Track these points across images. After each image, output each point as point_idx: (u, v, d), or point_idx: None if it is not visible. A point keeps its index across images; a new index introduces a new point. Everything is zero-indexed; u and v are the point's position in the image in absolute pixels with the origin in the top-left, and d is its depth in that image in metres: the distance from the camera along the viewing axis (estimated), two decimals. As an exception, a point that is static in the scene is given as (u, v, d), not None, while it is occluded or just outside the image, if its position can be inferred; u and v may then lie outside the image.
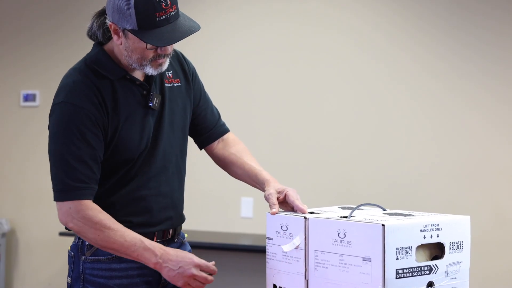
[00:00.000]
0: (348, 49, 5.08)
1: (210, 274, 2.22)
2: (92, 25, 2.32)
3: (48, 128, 2.28)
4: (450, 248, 1.92)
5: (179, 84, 2.42)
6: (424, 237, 1.85)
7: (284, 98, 5.21)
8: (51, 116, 2.26)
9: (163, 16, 2.11)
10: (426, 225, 1.86)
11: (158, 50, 2.18)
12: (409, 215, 1.99)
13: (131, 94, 2.27)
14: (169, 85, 2.38)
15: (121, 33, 2.18)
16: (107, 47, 2.30)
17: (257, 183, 2.38)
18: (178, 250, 2.26)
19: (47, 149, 2.27)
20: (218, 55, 5.29)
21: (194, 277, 2.19)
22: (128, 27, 2.13)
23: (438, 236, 1.88)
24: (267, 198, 2.19)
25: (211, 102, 2.60)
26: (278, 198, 2.18)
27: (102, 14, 2.31)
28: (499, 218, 4.79)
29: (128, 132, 2.25)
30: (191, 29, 2.18)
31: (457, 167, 4.85)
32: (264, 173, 2.39)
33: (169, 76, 2.39)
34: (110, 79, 2.25)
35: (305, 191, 5.02)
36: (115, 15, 2.15)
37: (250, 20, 5.31)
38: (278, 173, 5.01)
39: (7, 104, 6.06)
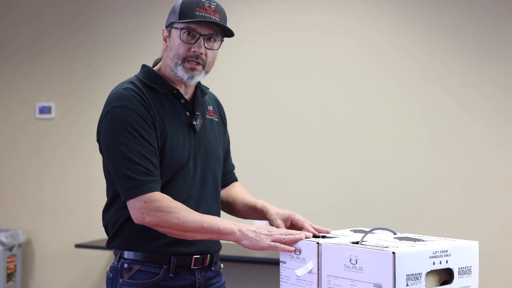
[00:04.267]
0: (362, 59, 5.14)
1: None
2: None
3: (100, 138, 2.34)
4: (458, 273, 1.97)
5: (217, 120, 2.56)
6: (434, 263, 1.90)
7: (297, 108, 5.26)
8: (102, 124, 2.32)
9: (202, 13, 2.28)
10: (436, 252, 1.91)
11: (192, 48, 2.31)
12: (419, 240, 2.04)
13: (176, 110, 2.38)
14: (210, 117, 2.52)
15: (167, 34, 2.37)
16: (155, 68, 2.45)
17: (257, 211, 2.47)
18: None
19: (101, 160, 2.36)
20: (232, 63, 5.38)
21: (272, 230, 2.18)
22: (172, 20, 2.33)
23: (447, 262, 1.93)
24: (275, 226, 2.29)
25: (230, 153, 2.71)
26: (285, 226, 2.27)
27: None
28: (507, 231, 4.82)
29: (173, 144, 2.33)
30: (227, 28, 2.34)
31: (466, 178, 4.89)
32: (261, 201, 2.49)
33: (210, 109, 2.53)
34: (158, 93, 2.36)
35: (317, 202, 5.10)
36: (168, 18, 2.39)
37: (264, 29, 5.38)
38: (291, 183, 5.10)
39: (23, 116, 6.13)
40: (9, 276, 5.77)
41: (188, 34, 2.31)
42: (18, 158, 6.15)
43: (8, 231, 5.85)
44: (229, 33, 2.37)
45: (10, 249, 5.78)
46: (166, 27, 2.39)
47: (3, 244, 5.69)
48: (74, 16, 6.02)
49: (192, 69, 2.33)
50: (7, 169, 6.17)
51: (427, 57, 4.99)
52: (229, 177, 2.69)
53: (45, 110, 6.08)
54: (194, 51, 2.31)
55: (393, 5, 5.07)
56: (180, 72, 2.34)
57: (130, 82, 2.37)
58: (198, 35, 2.31)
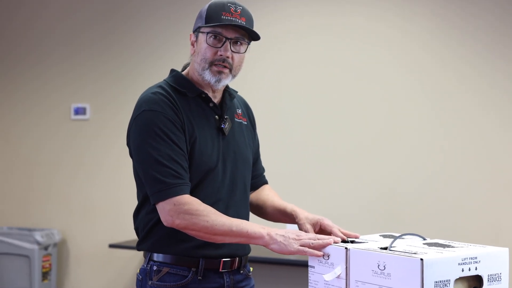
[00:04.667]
0: (389, 62, 5.11)
1: None
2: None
3: (130, 142, 2.37)
4: (488, 280, 1.96)
5: (246, 123, 2.58)
6: (463, 270, 1.89)
7: (326, 109, 5.25)
8: (132, 128, 2.35)
9: (228, 17, 2.31)
10: (465, 258, 1.90)
11: (218, 52, 2.33)
12: (448, 246, 2.03)
13: (205, 114, 2.41)
14: (239, 120, 2.54)
15: (194, 39, 2.39)
16: (184, 72, 2.48)
17: (286, 215, 2.48)
18: None
19: (132, 164, 2.38)
20: (263, 65, 5.38)
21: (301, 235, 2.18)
22: (199, 24, 2.36)
23: (476, 269, 1.92)
24: (304, 231, 2.30)
25: (260, 156, 2.72)
26: (314, 230, 2.28)
27: None
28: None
29: (202, 147, 2.35)
30: (253, 31, 2.35)
31: (500, 182, 4.84)
32: (291, 205, 2.49)
33: (239, 113, 2.55)
34: (186, 96, 2.39)
35: (347, 204, 5.09)
36: (195, 23, 2.42)
37: (296, 33, 5.37)
38: (321, 185, 5.09)
39: (57, 117, 6.20)
40: (44, 275, 5.85)
41: (215, 38, 2.33)
42: (54, 158, 6.22)
43: (43, 230, 5.93)
44: (255, 37, 2.38)
45: (46, 248, 5.85)
46: (193, 31, 2.41)
47: (38, 243, 5.76)
48: (108, 17, 6.07)
49: (219, 72, 2.35)
50: (43, 169, 6.25)
51: (456, 60, 4.94)
52: (259, 180, 2.69)
53: (80, 111, 6.13)
54: (221, 55, 2.33)
55: (418, 5, 5.04)
56: (208, 75, 2.36)
57: (159, 86, 2.40)
58: (224, 39, 2.33)
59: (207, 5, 2.36)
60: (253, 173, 2.63)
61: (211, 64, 2.34)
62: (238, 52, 2.36)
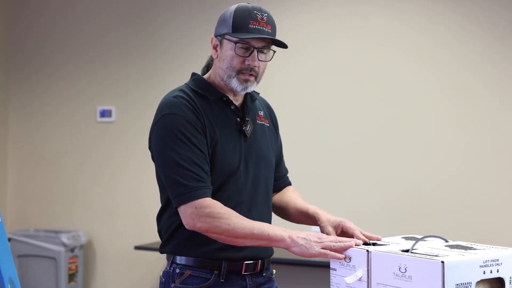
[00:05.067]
0: (414, 64, 5.11)
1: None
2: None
3: (151, 145, 2.40)
4: (510, 282, 1.95)
5: (268, 125, 2.59)
6: (484, 273, 1.89)
7: (349, 110, 5.26)
8: (153, 132, 2.37)
9: (255, 26, 2.31)
10: (486, 261, 1.90)
11: (246, 61, 2.34)
12: (470, 248, 2.03)
13: (226, 117, 2.42)
14: (261, 122, 2.54)
15: (217, 43, 2.39)
16: (205, 76, 2.49)
17: (309, 217, 2.49)
18: None
19: (154, 169, 2.40)
20: (288, 65, 5.39)
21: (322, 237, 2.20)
22: (225, 31, 2.35)
23: (498, 271, 1.92)
24: (325, 233, 2.32)
25: (283, 157, 2.72)
26: (336, 233, 2.29)
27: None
28: None
29: (223, 149, 2.37)
30: (279, 40, 2.35)
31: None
32: (313, 207, 2.50)
33: (261, 115, 2.56)
34: (208, 99, 2.40)
35: (370, 205, 5.09)
36: (217, 27, 2.41)
37: (321, 34, 5.39)
38: (344, 186, 5.09)
39: (83, 119, 6.25)
40: (71, 277, 5.90)
41: (242, 47, 2.33)
42: (79, 161, 6.27)
43: (70, 232, 5.98)
44: (282, 46, 2.38)
45: (72, 250, 5.91)
46: (216, 35, 2.41)
47: (65, 245, 5.81)
48: (133, 19, 6.11)
49: (246, 81, 2.36)
50: (69, 172, 6.30)
51: (477, 58, 4.92)
52: (282, 182, 2.70)
53: (106, 113, 6.18)
54: (248, 64, 2.34)
55: (439, 5, 5.03)
56: (234, 83, 2.37)
57: (180, 90, 2.41)
58: (252, 48, 2.34)
59: (232, 10, 2.35)
60: (276, 175, 2.63)
61: (239, 72, 2.35)
62: (265, 61, 2.38)
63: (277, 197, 2.66)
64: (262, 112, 2.58)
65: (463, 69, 4.97)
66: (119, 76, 6.15)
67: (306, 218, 2.52)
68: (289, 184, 2.74)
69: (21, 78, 6.54)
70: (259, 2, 2.52)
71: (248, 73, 2.35)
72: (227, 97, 2.43)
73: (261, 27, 2.32)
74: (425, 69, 5.07)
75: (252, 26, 2.31)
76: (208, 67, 2.55)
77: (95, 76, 6.24)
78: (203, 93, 2.40)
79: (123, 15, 6.16)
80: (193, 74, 2.51)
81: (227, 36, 2.35)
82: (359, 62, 5.26)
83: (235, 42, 2.33)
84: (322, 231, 2.36)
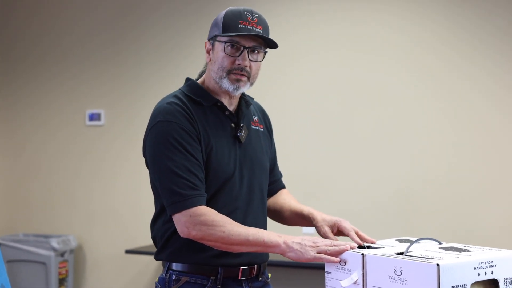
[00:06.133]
0: (405, 67, 5.13)
1: None
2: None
3: (145, 152, 2.39)
4: (504, 283, 1.97)
5: (263, 130, 2.59)
6: (479, 275, 1.91)
7: (341, 111, 5.27)
8: (147, 139, 2.37)
9: (245, 25, 2.31)
10: (480, 263, 1.91)
11: (236, 61, 2.34)
12: (464, 250, 2.04)
13: (221, 123, 2.42)
14: (255, 127, 2.54)
15: (210, 47, 2.40)
16: (199, 80, 2.49)
17: (304, 218, 2.49)
18: None
19: (148, 175, 2.39)
20: (275, 70, 5.39)
21: (317, 242, 2.20)
22: (216, 33, 2.36)
23: (492, 273, 1.94)
24: (322, 235, 2.31)
25: (277, 161, 2.73)
26: (332, 232, 2.30)
27: None
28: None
29: (218, 156, 2.36)
30: (271, 39, 2.36)
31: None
32: (308, 207, 2.51)
33: (255, 120, 2.56)
34: (202, 105, 2.40)
35: (364, 206, 5.11)
36: (210, 31, 2.42)
37: (313, 39, 5.41)
38: (336, 187, 5.11)
39: (72, 123, 6.23)
40: (61, 282, 5.88)
41: (232, 47, 2.33)
42: (69, 164, 6.25)
43: (60, 237, 5.96)
44: (273, 45, 2.39)
45: (62, 254, 5.89)
46: (209, 39, 2.42)
47: (55, 249, 5.79)
48: (122, 22, 6.10)
49: (238, 80, 2.36)
50: (58, 176, 6.28)
51: (466, 60, 4.95)
52: (276, 185, 2.70)
53: (95, 117, 6.17)
54: (239, 64, 2.34)
55: (421, 6, 5.06)
56: (226, 84, 2.36)
57: (174, 96, 2.41)
58: (242, 48, 2.34)
59: (223, 13, 2.37)
60: (271, 179, 2.64)
61: (229, 72, 2.35)
62: (256, 61, 2.38)
63: (272, 201, 2.67)
64: (256, 117, 2.58)
65: (450, 71, 5.00)
66: (109, 80, 6.14)
67: (301, 220, 2.53)
68: (283, 187, 2.74)
69: (9, 80, 6.52)
70: (255, 7, 2.52)
71: (239, 73, 2.35)
72: (222, 103, 2.42)
73: (251, 27, 2.32)
74: (414, 71, 5.09)
75: (242, 26, 2.31)
76: (203, 73, 2.55)
77: (84, 79, 6.22)
78: (197, 99, 2.40)
79: (112, 18, 6.14)
80: (187, 80, 2.50)
81: (218, 38, 2.36)
82: (350, 64, 5.27)
83: (225, 42, 2.33)
84: (318, 231, 2.37)
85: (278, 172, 2.73)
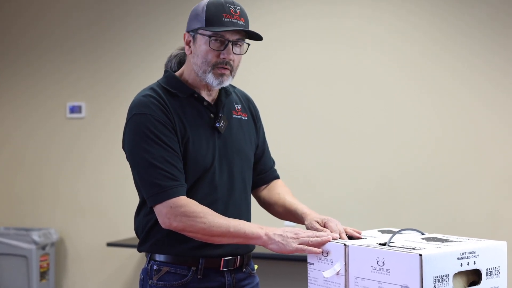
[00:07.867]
0: (392, 63, 5.13)
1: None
2: (171, 55, 2.55)
3: (124, 146, 2.38)
4: (487, 274, 1.97)
5: (246, 118, 2.56)
6: (461, 265, 1.90)
7: (325, 106, 5.27)
8: (125, 132, 2.36)
9: (229, 19, 2.29)
10: (463, 253, 1.91)
11: (221, 55, 2.32)
12: (447, 240, 2.04)
13: (198, 113, 2.39)
14: (237, 116, 2.52)
15: (190, 39, 2.36)
16: (177, 73, 2.47)
17: (296, 217, 2.46)
18: None
19: (129, 166, 2.37)
20: (262, 63, 5.39)
21: (299, 233, 2.19)
22: (198, 25, 2.32)
23: (474, 263, 1.93)
24: (310, 228, 2.28)
25: (268, 148, 2.69)
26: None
27: (182, 49, 2.52)
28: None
29: (196, 147, 2.34)
30: (254, 32, 2.33)
31: (497, 177, 4.86)
32: (302, 206, 2.47)
33: (237, 108, 2.53)
34: (179, 97, 2.38)
35: (347, 199, 5.11)
36: (190, 22, 2.38)
37: (302, 32, 5.39)
38: (320, 180, 5.11)
39: (53, 115, 6.20)
40: (42, 275, 5.85)
41: (216, 40, 2.31)
42: (50, 157, 6.21)
43: (41, 230, 5.93)
44: (257, 37, 2.36)
45: (43, 247, 5.85)
46: (188, 31, 2.38)
47: (36, 243, 5.76)
48: (104, 15, 6.07)
49: (222, 75, 2.33)
50: (39, 169, 6.24)
51: (453, 57, 4.96)
52: (268, 174, 2.65)
53: (75, 109, 6.13)
54: (224, 58, 2.32)
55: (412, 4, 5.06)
56: (210, 78, 2.34)
57: (151, 88, 2.40)
58: (226, 41, 2.31)
59: (204, 4, 2.33)
60: (261, 167, 2.61)
61: (214, 67, 2.33)
62: (239, 54, 2.36)
63: (266, 193, 2.63)
64: (239, 106, 2.55)
65: (434, 64, 5.00)
66: (89, 73, 6.10)
67: (294, 218, 2.49)
68: (277, 177, 2.69)
69: (-11, 75, 6.48)
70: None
71: (223, 67, 2.33)
72: (198, 94, 2.40)
73: (234, 20, 2.30)
74: (398, 63, 5.10)
75: (225, 19, 2.29)
76: (180, 62, 2.52)
77: (65, 72, 6.18)
78: (173, 90, 2.38)
79: (93, 12, 6.11)
80: (165, 71, 2.49)
81: (200, 31, 2.32)
82: (333, 56, 5.27)
83: (209, 36, 2.30)
84: (308, 229, 2.30)
85: (268, 159, 2.68)
